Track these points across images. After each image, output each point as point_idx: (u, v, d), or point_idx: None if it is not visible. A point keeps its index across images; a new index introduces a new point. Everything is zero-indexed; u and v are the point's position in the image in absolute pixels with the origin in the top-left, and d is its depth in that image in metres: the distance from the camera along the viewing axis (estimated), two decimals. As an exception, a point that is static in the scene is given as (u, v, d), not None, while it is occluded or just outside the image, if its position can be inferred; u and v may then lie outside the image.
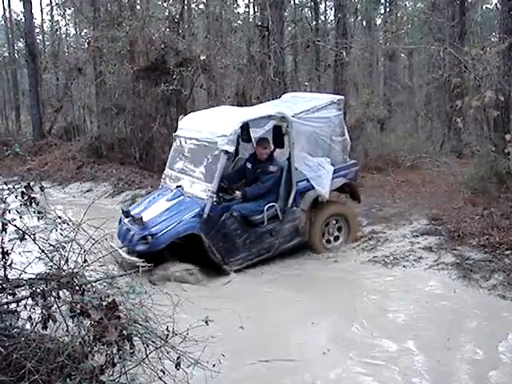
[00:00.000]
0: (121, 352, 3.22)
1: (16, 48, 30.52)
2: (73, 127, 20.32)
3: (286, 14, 18.97)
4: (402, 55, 23.21)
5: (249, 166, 8.27)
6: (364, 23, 26.69)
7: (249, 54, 15.08)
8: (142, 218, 7.38)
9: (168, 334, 3.44)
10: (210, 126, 7.94)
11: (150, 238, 7.14)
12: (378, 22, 27.92)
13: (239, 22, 22.46)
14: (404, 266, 7.55)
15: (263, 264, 7.87)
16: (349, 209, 8.87)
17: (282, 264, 7.99)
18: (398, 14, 22.86)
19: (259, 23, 14.95)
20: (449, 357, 5.16)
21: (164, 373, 3.41)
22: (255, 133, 8.65)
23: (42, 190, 4.52)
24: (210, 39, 15.83)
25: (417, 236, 8.43)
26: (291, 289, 6.98)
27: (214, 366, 3.62)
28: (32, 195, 3.87)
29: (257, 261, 7.80)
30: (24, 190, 3.83)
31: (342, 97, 8.72)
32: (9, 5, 28.59)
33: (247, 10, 24.40)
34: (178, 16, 15.31)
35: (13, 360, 3.04)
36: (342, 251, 8.34)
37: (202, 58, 13.57)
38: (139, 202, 8.96)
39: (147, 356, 3.37)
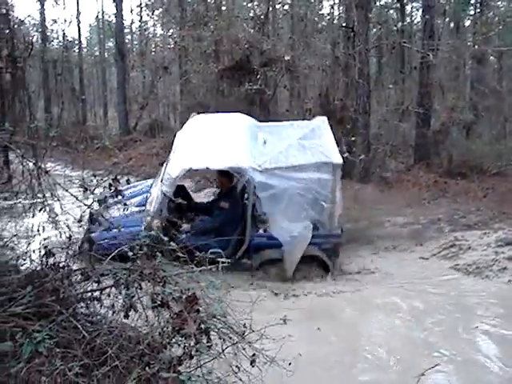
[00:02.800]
0: (198, 345, 3.25)
1: (106, 47, 31.64)
2: (157, 124, 20.83)
3: (370, 15, 18.74)
4: (492, 58, 22.45)
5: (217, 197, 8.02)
6: (452, 25, 25.98)
7: (333, 55, 15.01)
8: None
9: (245, 331, 3.46)
10: (179, 150, 7.55)
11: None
12: (467, 23, 27.16)
13: (324, 23, 22.36)
14: (487, 276, 7.29)
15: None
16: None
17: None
18: (489, 15, 22.14)
19: (344, 24, 14.86)
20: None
21: (239, 369, 3.41)
22: None
23: (128, 183, 4.67)
24: (294, 40, 15.84)
25: (501, 246, 8.11)
26: (368, 294, 6.88)
27: (289, 364, 3.61)
28: (118, 188, 3.97)
29: None
30: (111, 182, 3.93)
31: (341, 162, 7.37)
32: (102, 7, 29.73)
33: (332, 11, 24.26)
34: (263, 16, 15.40)
35: (96, 345, 3.13)
36: (421, 258, 8.15)
37: (287, 58, 13.58)
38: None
39: (223, 351, 3.39)
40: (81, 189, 3.76)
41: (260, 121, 8.81)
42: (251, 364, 3.40)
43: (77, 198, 3.68)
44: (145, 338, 3.24)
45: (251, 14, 16.32)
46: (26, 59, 4.35)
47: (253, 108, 14.34)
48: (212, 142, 7.67)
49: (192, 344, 3.23)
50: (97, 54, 33.43)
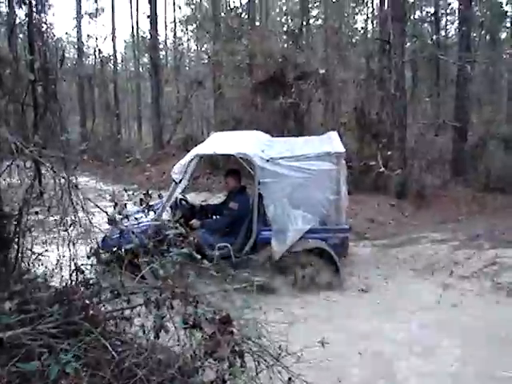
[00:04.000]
0: (231, 369, 3.12)
1: (141, 63, 32.03)
2: (191, 138, 20.85)
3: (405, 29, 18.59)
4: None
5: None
6: (488, 37, 25.66)
7: (368, 68, 14.86)
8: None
9: (280, 353, 3.32)
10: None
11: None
12: (503, 36, 26.84)
13: (357, 37, 22.30)
14: (531, 296, 6.99)
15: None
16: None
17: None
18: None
19: (378, 37, 14.74)
20: None
21: (274, 393, 3.27)
22: None
23: (160, 198, 4.60)
24: (328, 53, 15.74)
25: (545, 263, 7.82)
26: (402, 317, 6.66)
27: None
28: (150, 202, 3.90)
29: None
30: (142, 197, 3.86)
31: (343, 150, 7.33)
32: (137, 23, 30.11)
33: (366, 25, 24.20)
34: (297, 30, 15.35)
35: (125, 368, 3.02)
36: (460, 275, 7.88)
37: (321, 71, 13.47)
38: None
39: (257, 374, 3.25)
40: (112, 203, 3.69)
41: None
42: (287, 388, 3.26)
43: (106, 213, 3.59)
44: (176, 360, 3.12)
45: (285, 28, 16.30)
46: (58, 71, 4.31)
47: (287, 122, 14.27)
48: (223, 140, 8.31)
49: (225, 367, 3.10)
50: (131, 69, 33.85)
